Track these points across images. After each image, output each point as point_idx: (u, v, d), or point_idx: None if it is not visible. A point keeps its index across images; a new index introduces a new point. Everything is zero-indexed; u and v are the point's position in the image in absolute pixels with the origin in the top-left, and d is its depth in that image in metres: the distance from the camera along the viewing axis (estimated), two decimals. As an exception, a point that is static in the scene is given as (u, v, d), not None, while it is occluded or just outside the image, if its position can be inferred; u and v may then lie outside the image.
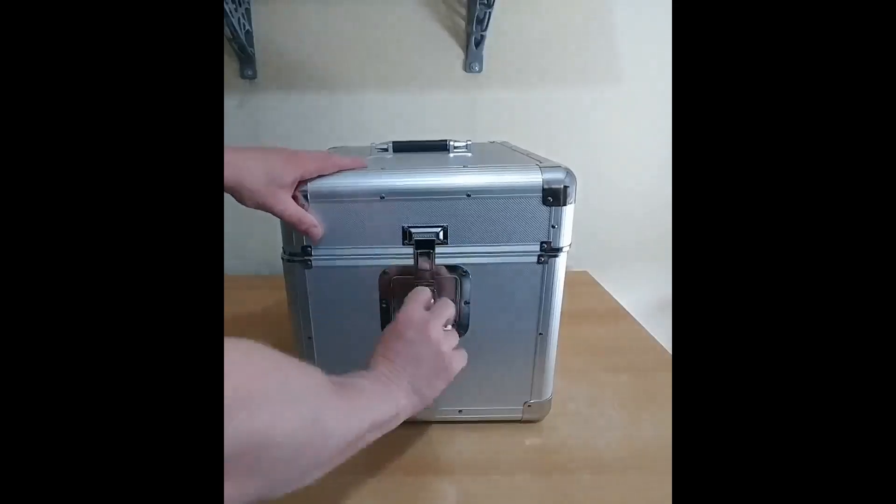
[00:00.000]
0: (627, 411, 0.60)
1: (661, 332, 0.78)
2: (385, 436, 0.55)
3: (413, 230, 0.48)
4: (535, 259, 0.50)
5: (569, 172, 0.48)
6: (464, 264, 0.50)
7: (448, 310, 0.47)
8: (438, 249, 0.50)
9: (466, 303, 0.52)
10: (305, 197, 0.47)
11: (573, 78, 0.97)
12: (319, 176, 0.48)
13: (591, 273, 1.06)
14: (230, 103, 0.96)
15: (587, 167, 1.04)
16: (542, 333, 0.53)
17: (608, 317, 0.87)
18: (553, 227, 0.48)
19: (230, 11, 0.81)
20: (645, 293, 1.12)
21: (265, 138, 0.99)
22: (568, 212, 0.48)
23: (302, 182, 0.47)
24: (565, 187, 0.47)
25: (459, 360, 0.46)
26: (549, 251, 0.49)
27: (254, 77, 0.94)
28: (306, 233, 0.47)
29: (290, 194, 0.46)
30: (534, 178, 0.47)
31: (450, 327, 0.47)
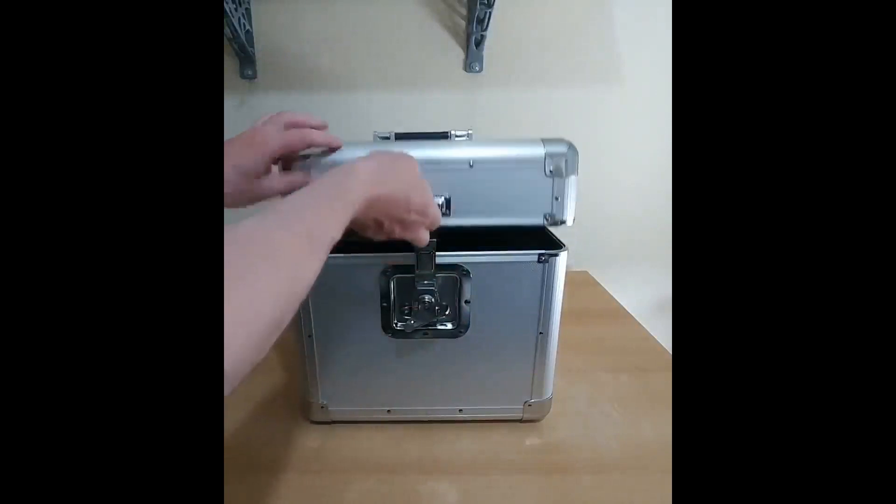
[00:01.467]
0: (627, 411, 0.60)
1: (661, 332, 0.78)
2: (385, 435, 0.56)
3: None
4: (535, 258, 0.50)
5: (571, 146, 0.48)
6: (464, 263, 0.50)
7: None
8: (439, 249, 0.50)
9: (467, 302, 0.52)
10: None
11: (573, 78, 0.97)
12: (300, 155, 0.48)
13: (591, 273, 1.06)
14: (230, 103, 0.96)
15: (587, 167, 1.02)
16: (542, 333, 0.53)
17: (608, 317, 0.87)
18: (556, 199, 0.48)
19: (230, 11, 0.81)
20: (645, 293, 1.12)
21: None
22: (571, 183, 0.48)
23: (295, 161, 0.47)
24: (567, 158, 0.47)
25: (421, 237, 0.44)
26: (553, 222, 0.49)
27: (254, 77, 0.94)
28: None
29: (275, 175, 0.45)
30: (536, 150, 0.47)
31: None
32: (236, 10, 0.84)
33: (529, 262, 0.50)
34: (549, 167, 0.47)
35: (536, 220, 0.49)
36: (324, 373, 0.55)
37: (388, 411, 0.57)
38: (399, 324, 0.53)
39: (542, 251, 0.50)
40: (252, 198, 0.45)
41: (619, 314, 0.87)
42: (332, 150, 0.49)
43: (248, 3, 0.89)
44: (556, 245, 0.52)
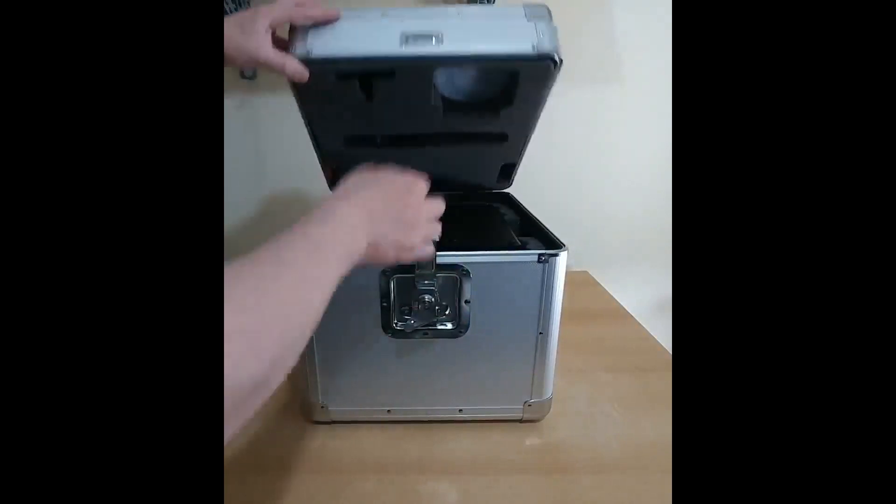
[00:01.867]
0: (627, 411, 0.60)
1: (661, 332, 0.78)
2: (385, 435, 0.56)
3: (410, 34, 0.48)
4: (535, 258, 0.50)
5: (547, 9, 0.51)
6: (464, 263, 0.50)
7: (440, 207, 0.45)
8: (439, 249, 0.50)
9: (467, 302, 0.52)
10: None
11: (573, 78, 0.97)
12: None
13: (591, 273, 1.06)
14: (230, 103, 0.96)
15: (587, 167, 1.03)
16: (542, 333, 0.53)
17: (608, 317, 0.87)
18: (541, 34, 0.50)
19: (230, 12, 0.81)
20: (645, 293, 1.12)
21: (265, 138, 0.99)
22: (554, 28, 0.51)
23: (298, 30, 0.48)
24: (546, 11, 0.51)
25: (427, 252, 0.44)
26: (540, 55, 0.50)
27: (254, 77, 0.94)
28: (292, 76, 0.47)
29: (268, 41, 0.46)
30: (515, 7, 0.51)
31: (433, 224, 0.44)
32: (236, 10, 0.84)
33: (529, 262, 0.50)
34: (528, 11, 0.51)
35: (525, 48, 0.49)
36: (324, 373, 0.55)
37: (388, 411, 0.57)
38: (399, 324, 0.53)
39: (542, 251, 0.50)
40: (240, 47, 0.45)
41: (619, 314, 0.87)
42: (332, 20, 0.49)
43: (248, 3, 0.89)
44: (556, 245, 0.52)
